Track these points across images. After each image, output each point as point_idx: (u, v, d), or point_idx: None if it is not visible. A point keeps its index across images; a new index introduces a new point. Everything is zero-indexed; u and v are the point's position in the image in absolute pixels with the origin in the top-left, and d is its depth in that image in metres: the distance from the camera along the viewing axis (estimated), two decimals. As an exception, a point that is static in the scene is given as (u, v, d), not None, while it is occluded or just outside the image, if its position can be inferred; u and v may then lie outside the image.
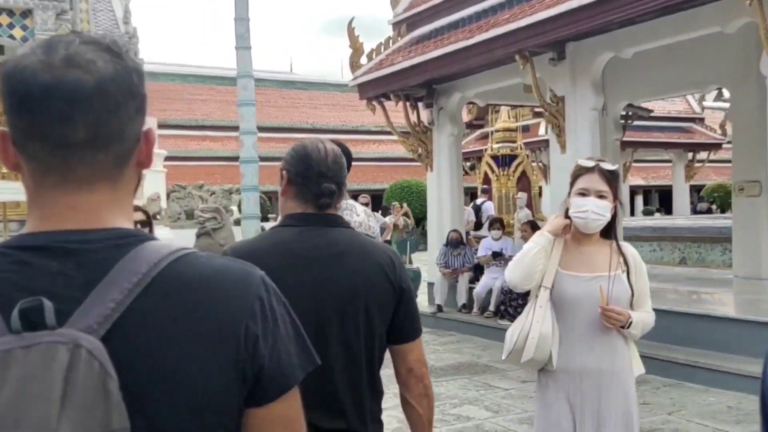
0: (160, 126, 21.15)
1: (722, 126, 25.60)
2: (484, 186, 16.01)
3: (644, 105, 11.94)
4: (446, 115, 10.20)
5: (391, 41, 10.69)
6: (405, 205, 18.28)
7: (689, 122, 24.15)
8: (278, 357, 0.93)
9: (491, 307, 8.98)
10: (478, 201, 14.91)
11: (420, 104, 10.57)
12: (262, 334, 0.92)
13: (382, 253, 1.90)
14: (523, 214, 15.29)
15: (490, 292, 9.06)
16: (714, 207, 27.25)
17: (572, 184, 2.83)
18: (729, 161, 29.48)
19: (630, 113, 11.30)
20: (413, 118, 10.52)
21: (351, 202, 3.12)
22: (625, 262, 2.77)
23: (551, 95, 8.04)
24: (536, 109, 24.02)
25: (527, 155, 17.86)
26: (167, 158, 19.07)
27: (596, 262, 2.72)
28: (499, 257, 9.11)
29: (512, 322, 8.83)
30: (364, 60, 10.73)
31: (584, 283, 2.68)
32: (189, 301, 0.88)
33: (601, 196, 2.71)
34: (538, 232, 2.84)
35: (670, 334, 6.45)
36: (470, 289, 9.57)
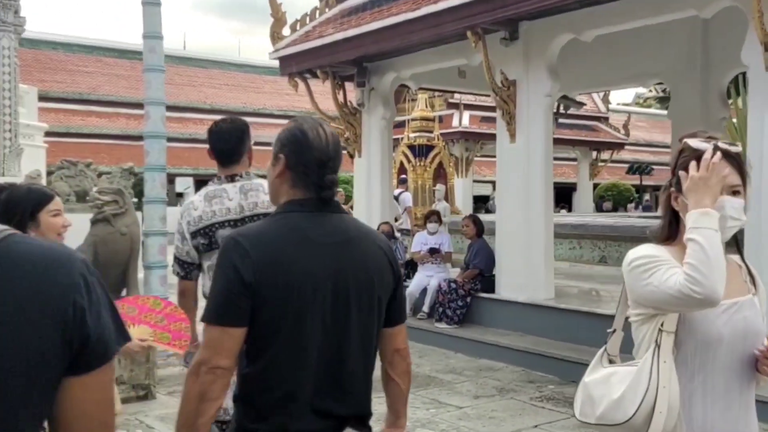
0: (41, 98, 19.12)
1: (625, 126, 26.20)
2: (402, 176, 15.29)
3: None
4: (378, 96, 9.35)
5: (317, 12, 9.71)
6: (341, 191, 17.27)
7: (595, 121, 24.47)
8: (101, 330, 1.03)
9: (425, 308, 8.22)
10: (396, 191, 14.15)
11: (348, 84, 9.68)
12: (87, 307, 1.01)
13: (381, 238, 1.94)
14: (442, 206, 14.72)
15: (424, 291, 8.30)
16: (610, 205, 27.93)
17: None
18: (625, 161, 30.35)
19: (563, 105, 10.89)
20: (341, 98, 9.59)
21: (258, 181, 2.92)
22: (753, 281, 2.00)
23: (502, 78, 7.35)
24: (450, 100, 23.67)
25: (444, 146, 17.31)
26: (48, 133, 17.21)
27: (727, 282, 1.80)
28: (436, 253, 8.36)
29: (451, 325, 7.69)
30: (286, 31, 9.70)
31: (724, 315, 1.88)
32: (17, 276, 0.96)
33: (735, 192, 1.91)
34: (699, 211, 1.75)
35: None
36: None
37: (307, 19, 9.69)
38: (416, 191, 16.19)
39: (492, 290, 7.73)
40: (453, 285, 7.74)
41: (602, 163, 24.78)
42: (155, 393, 5.79)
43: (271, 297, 1.70)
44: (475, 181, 24.61)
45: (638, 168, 33.80)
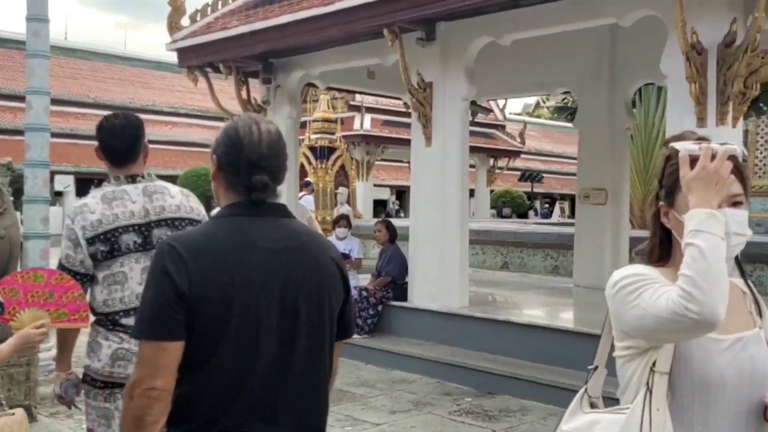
0: None
1: (521, 135, 26.85)
2: (307, 179, 14.88)
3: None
4: (284, 94, 8.90)
5: (220, 2, 9.15)
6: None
7: (493, 129, 24.91)
8: None
9: (333, 317, 7.86)
10: (301, 195, 13.75)
11: (253, 80, 9.18)
12: None
13: (331, 246, 1.83)
14: (344, 210, 14.43)
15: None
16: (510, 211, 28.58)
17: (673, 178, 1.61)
18: (518, 169, 31.14)
19: (470, 111, 10.81)
20: (244, 95, 9.08)
21: (162, 183, 2.74)
22: (759, 311, 1.75)
23: (418, 80, 7.11)
24: (352, 102, 23.39)
25: (346, 148, 17.02)
26: None
27: (730, 313, 1.51)
28: (346, 259, 8.00)
29: (361, 335, 7.55)
30: (186, 22, 9.09)
31: (727, 353, 1.59)
32: None
33: (737, 203, 1.67)
34: (704, 212, 1.46)
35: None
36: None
37: (209, 9, 9.12)
38: (318, 194, 15.81)
39: (404, 298, 7.47)
40: (364, 293, 7.42)
41: (499, 170, 25.27)
42: (36, 415, 5.15)
43: (207, 309, 1.56)
44: (374, 185, 24.48)
45: (530, 176, 34.88)
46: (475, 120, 23.83)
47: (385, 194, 31.62)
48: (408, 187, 27.28)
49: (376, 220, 14.41)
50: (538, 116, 43.05)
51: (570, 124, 46.05)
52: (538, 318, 6.99)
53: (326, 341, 1.72)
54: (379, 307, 7.45)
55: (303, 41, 7.73)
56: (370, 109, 22.68)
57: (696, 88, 5.14)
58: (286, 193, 8.84)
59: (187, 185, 25.29)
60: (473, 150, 23.91)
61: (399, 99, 10.99)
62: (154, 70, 34.54)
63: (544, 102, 58.68)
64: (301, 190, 14.12)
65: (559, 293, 8.86)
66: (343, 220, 8.37)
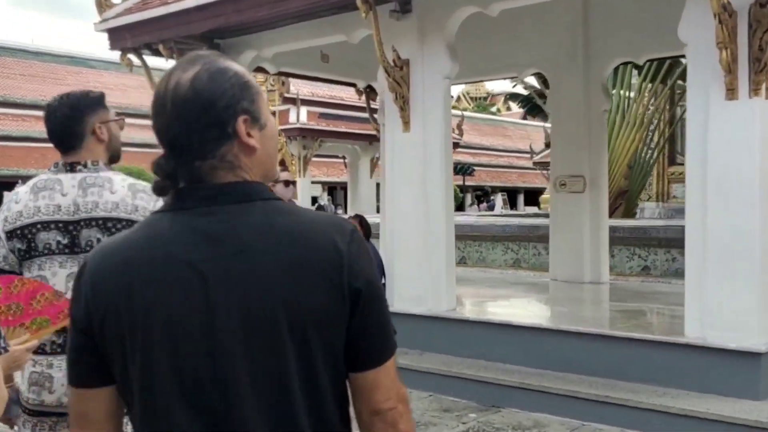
0: None
1: (459, 127, 26.40)
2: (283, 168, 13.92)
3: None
4: (234, 78, 7.95)
5: (157, -23, 8.12)
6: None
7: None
8: None
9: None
10: None
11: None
12: None
13: (322, 234, 1.18)
14: (288, 208, 13.57)
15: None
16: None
17: None
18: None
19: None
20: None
21: (108, 174, 2.28)
22: None
23: (394, 57, 6.35)
24: (287, 94, 22.37)
25: (285, 143, 16.10)
26: None
27: None
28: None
29: None
30: (117, -1, 8.04)
31: None
32: None
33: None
34: None
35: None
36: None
37: (144, -16, 8.09)
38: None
39: (382, 302, 6.71)
40: (337, 297, 6.64)
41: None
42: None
43: (112, 354, 1.18)
44: (312, 182, 23.55)
45: (461, 168, 34.66)
46: (350, 104, 22.69)
47: (316, 191, 30.66)
48: (341, 184, 26.42)
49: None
50: (464, 109, 42.96)
51: (495, 117, 46.18)
52: (537, 318, 6.35)
53: (294, 381, 1.14)
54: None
55: (259, 16, 6.84)
56: (306, 102, 21.74)
57: (728, 54, 4.57)
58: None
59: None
60: (353, 137, 22.75)
61: (353, 85, 10.18)
62: (67, 65, 32.45)
63: (466, 95, 59.13)
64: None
65: (541, 289, 8.28)
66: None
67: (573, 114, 8.32)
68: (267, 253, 1.16)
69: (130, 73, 7.87)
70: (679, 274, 9.88)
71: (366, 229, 6.97)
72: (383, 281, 6.84)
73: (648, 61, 8.49)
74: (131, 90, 29.56)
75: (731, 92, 4.67)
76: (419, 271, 6.35)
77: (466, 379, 5.60)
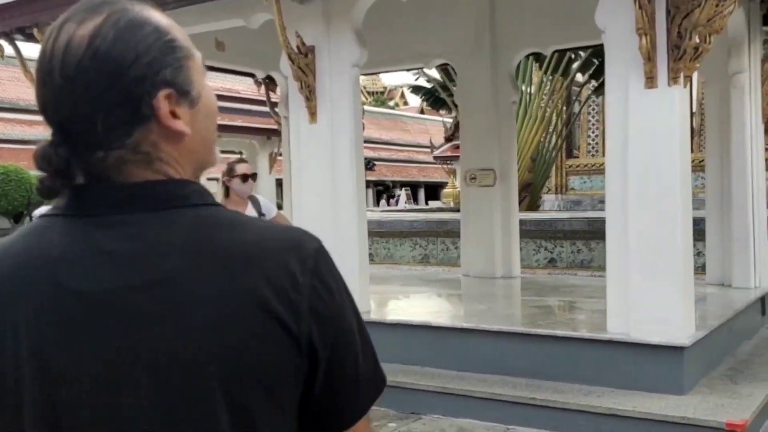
0: None
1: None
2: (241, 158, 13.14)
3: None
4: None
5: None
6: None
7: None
8: None
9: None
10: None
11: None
12: None
13: (274, 257, 0.85)
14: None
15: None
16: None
17: None
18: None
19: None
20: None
21: None
22: None
23: (298, 43, 5.92)
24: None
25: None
26: None
27: None
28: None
29: None
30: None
31: None
32: None
33: None
34: None
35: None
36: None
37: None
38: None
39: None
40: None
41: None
42: None
43: None
44: (207, 179, 22.58)
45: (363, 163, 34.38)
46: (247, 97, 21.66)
47: (213, 188, 29.56)
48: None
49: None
50: (363, 103, 42.76)
51: (394, 111, 46.25)
52: (455, 318, 6.09)
53: None
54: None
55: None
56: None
57: (647, 41, 4.44)
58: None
59: (-13, 188, 21.81)
60: (251, 131, 22.06)
61: (251, 75, 9.64)
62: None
63: (363, 89, 59.00)
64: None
65: (454, 286, 8.06)
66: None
67: (481, 106, 8.15)
68: (195, 285, 0.82)
69: (2, 64, 7.03)
70: (585, 265, 9.99)
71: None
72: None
73: (554, 52, 8.42)
74: (5, 82, 27.51)
75: (651, 80, 4.54)
76: (330, 272, 5.96)
77: (383, 385, 5.26)
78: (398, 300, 7.19)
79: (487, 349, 5.19)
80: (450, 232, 11.24)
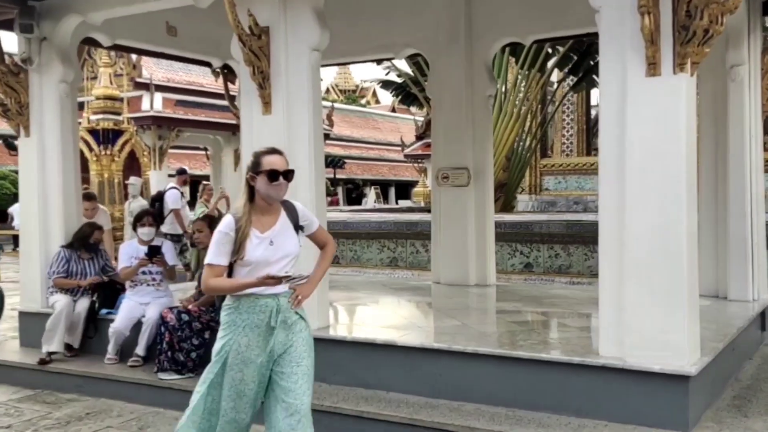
0: None
1: (329, 117, 25.37)
2: (182, 168, 12.37)
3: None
4: (54, 49, 6.50)
5: None
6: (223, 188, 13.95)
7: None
8: None
9: (139, 351, 5.74)
10: (168, 187, 11.15)
11: (9, 34, 6.66)
12: None
13: None
14: (137, 204, 12.02)
15: (137, 327, 5.82)
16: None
17: None
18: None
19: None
20: (-7, 50, 6.54)
21: None
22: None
23: (251, 23, 5.21)
24: (138, 79, 20.38)
25: (135, 132, 14.44)
26: None
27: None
28: (157, 258, 5.90)
29: (183, 375, 5.44)
30: None
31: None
32: None
33: None
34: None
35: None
36: (90, 320, 6.16)
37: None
38: (101, 186, 13.17)
39: (241, 320, 5.57)
40: (184, 317, 5.41)
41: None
42: None
43: None
44: (169, 174, 21.67)
45: (332, 161, 33.71)
46: (211, 91, 20.74)
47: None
48: (205, 177, 24.62)
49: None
50: (333, 101, 42.00)
51: (365, 109, 45.63)
52: (425, 336, 5.40)
53: None
54: (207, 334, 5.47)
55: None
56: (160, 88, 19.86)
57: (650, 20, 3.83)
58: (61, 184, 6.54)
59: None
60: (215, 126, 20.83)
61: (206, 65, 8.89)
62: None
63: (335, 87, 58.24)
64: (171, 181, 11.30)
65: (424, 295, 7.39)
66: (147, 217, 6.18)
67: (455, 100, 7.51)
68: None
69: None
70: (563, 271, 9.42)
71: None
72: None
73: (532, 44, 7.81)
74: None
75: (653, 67, 3.93)
76: (284, 283, 5.26)
77: (342, 414, 4.58)
78: (362, 312, 6.50)
79: (461, 374, 4.54)
80: (420, 234, 10.63)
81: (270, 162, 3.22)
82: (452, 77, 7.53)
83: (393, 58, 8.86)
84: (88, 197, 7.91)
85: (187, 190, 12.04)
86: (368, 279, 9.27)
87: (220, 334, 3.26)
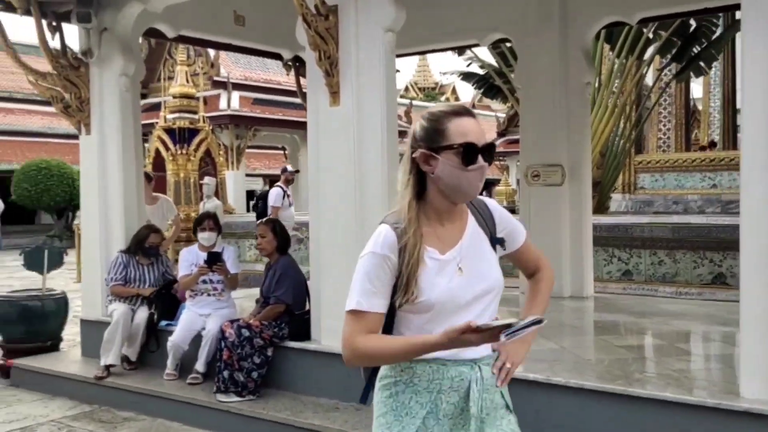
0: None
1: (407, 114, 24.76)
2: (285, 166, 12.03)
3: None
4: (115, 41, 6.11)
5: None
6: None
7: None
8: None
9: (199, 367, 5.24)
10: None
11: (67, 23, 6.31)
12: None
13: None
14: (212, 204, 11.74)
15: (197, 340, 5.33)
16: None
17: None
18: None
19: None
20: (55, 43, 6.20)
21: None
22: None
23: (317, 2, 4.60)
24: (216, 78, 20.32)
25: (212, 131, 14.21)
26: None
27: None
28: (218, 266, 5.38)
29: (243, 398, 4.75)
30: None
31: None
32: None
33: None
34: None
35: None
36: (150, 331, 5.71)
37: None
38: (177, 186, 12.96)
39: (306, 336, 4.98)
40: (245, 332, 4.86)
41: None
42: None
43: None
44: (246, 174, 21.55)
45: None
46: (288, 89, 20.11)
47: (256, 185, 28.53)
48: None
49: (252, 216, 11.74)
50: (412, 98, 41.29)
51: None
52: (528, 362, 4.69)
53: None
54: (269, 352, 4.91)
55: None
56: (237, 86, 19.70)
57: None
58: (121, 183, 6.15)
59: (25, 180, 21.29)
60: (292, 125, 20.39)
61: (277, 58, 8.38)
62: (-20, 48, 29.59)
63: (414, 85, 57.16)
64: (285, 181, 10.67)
65: (511, 307, 6.62)
66: (208, 221, 5.68)
67: (547, 89, 6.72)
68: None
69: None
70: (667, 280, 8.44)
71: (282, 238, 5.23)
72: (307, 308, 5.13)
73: (640, 21, 6.90)
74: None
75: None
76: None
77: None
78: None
79: (564, 412, 3.79)
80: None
81: (463, 128, 1.78)
82: (544, 63, 6.74)
83: (475, 45, 8.10)
84: (146, 177, 7.07)
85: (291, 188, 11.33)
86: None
87: (376, 424, 1.89)
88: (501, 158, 31.06)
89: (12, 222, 25.75)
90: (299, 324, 5.00)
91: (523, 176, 6.97)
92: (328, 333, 4.78)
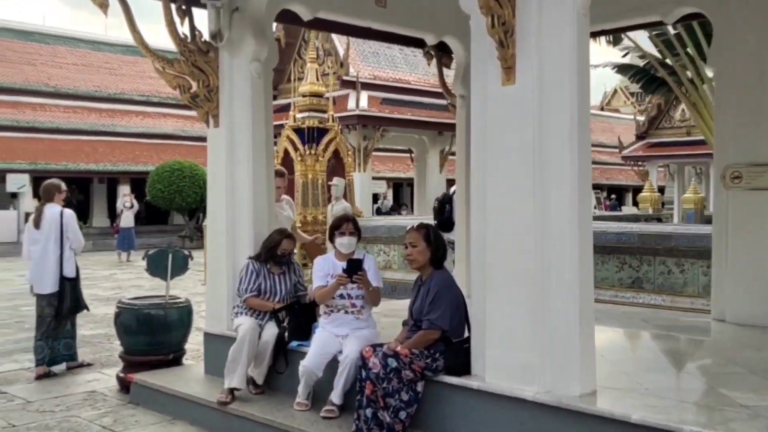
0: None
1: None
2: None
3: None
4: (246, 22, 5.47)
5: None
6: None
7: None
8: None
9: (334, 398, 4.43)
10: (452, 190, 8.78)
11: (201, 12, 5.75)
12: None
13: None
14: (340, 207, 11.07)
15: (333, 365, 4.52)
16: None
17: None
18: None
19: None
20: (183, 28, 5.65)
21: None
22: None
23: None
24: (345, 77, 19.90)
25: (341, 130, 13.64)
26: None
27: None
28: (358, 276, 4.55)
29: None
30: None
31: None
32: None
33: None
34: None
35: None
36: (279, 350, 4.96)
37: None
38: (305, 187, 12.44)
39: (466, 370, 4.05)
40: (391, 361, 3.99)
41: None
42: None
43: None
44: (373, 177, 20.98)
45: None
46: (417, 88, 18.83)
47: (379, 188, 27.95)
48: (408, 180, 23.62)
49: (379, 219, 10.96)
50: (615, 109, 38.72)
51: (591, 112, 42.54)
52: (713, 417, 3.51)
53: None
54: (419, 387, 4.03)
55: None
56: (366, 86, 19.13)
57: None
58: (251, 179, 5.47)
59: (159, 180, 21.78)
60: (421, 125, 19.54)
61: (419, 44, 7.55)
62: (122, 54, 30.90)
63: (625, 89, 52.84)
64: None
65: (702, 336, 5.43)
66: (347, 224, 4.86)
67: (752, 73, 5.49)
68: None
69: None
70: None
71: (436, 247, 4.33)
72: (466, 335, 4.21)
73: None
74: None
75: None
76: (531, 321, 3.66)
77: None
78: (630, 367, 4.68)
79: None
80: (673, 250, 8.52)
81: None
82: (749, 42, 5.50)
83: (659, 24, 6.89)
84: (278, 173, 6.33)
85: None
86: (611, 309, 7.40)
87: None
88: (640, 163, 28.93)
89: (147, 222, 26.58)
90: (457, 355, 4.07)
91: (720, 178, 5.73)
92: (494, 367, 3.84)
